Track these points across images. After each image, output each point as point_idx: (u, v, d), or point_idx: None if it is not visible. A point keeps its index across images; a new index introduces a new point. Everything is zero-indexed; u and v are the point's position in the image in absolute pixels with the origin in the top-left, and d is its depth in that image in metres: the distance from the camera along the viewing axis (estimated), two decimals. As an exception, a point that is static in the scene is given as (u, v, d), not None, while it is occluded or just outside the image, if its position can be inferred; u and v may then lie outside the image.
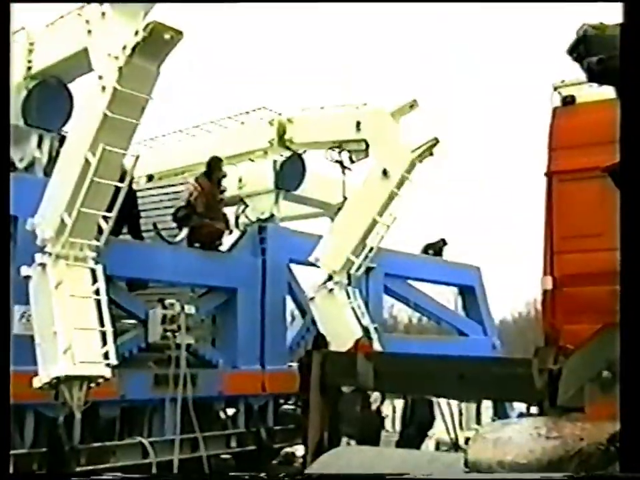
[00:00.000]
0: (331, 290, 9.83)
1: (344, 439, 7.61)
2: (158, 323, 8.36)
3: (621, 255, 3.11)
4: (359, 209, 9.85)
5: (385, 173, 9.57)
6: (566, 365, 4.65)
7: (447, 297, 14.65)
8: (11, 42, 3.96)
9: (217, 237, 9.62)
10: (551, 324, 5.47)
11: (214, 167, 9.65)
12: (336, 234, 10.10)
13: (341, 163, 10.30)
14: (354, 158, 10.20)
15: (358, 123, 9.84)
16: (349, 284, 10.07)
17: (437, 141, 9.56)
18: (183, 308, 8.58)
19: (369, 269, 11.03)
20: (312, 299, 10.04)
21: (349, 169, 10.36)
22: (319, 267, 9.99)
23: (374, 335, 9.93)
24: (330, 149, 10.26)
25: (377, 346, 9.79)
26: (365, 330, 9.67)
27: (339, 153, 10.23)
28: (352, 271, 9.96)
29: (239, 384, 9.21)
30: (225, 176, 9.82)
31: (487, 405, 12.00)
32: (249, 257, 9.86)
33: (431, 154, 9.62)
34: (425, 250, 13.98)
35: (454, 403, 10.00)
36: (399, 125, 9.77)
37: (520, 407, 10.50)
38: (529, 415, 7.80)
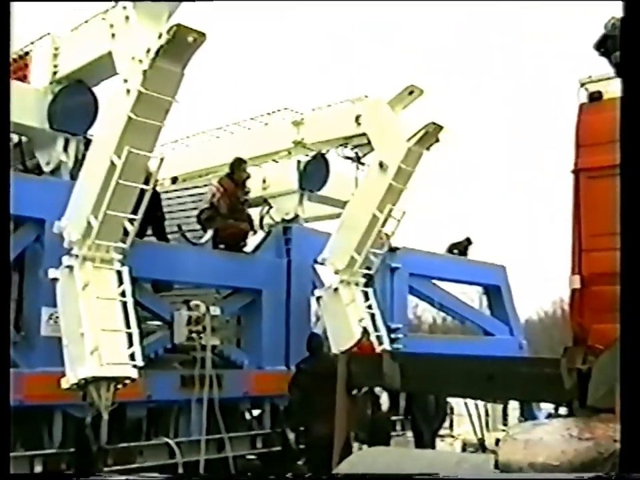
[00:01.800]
0: (336, 289, 9.57)
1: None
2: (183, 324, 8.40)
3: (621, 251, 3.06)
4: (360, 205, 9.56)
5: (381, 165, 9.27)
6: (595, 365, 4.59)
7: (471, 297, 14.60)
8: (10, 42, 3.98)
9: (242, 238, 9.61)
10: (579, 323, 5.39)
11: (237, 168, 9.64)
12: (340, 232, 9.80)
13: (352, 159, 10.12)
14: (360, 153, 10.00)
15: (357, 117, 9.62)
16: (367, 284, 9.81)
17: (436, 126, 9.03)
18: (208, 309, 8.61)
19: (393, 269, 10.97)
20: (319, 298, 9.81)
21: (363, 164, 10.09)
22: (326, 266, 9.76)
23: (384, 337, 9.54)
24: (341, 145, 10.10)
25: (386, 348, 9.37)
26: (365, 330, 9.23)
27: (351, 149, 10.05)
28: (355, 268, 9.51)
29: (265, 384, 9.21)
30: (248, 177, 9.80)
31: (513, 406, 11.92)
32: (273, 258, 9.86)
33: (437, 140, 9.15)
34: (450, 249, 13.90)
35: (480, 403, 9.93)
36: (398, 115, 9.36)
37: (547, 407, 10.41)
38: (557, 415, 7.73)
